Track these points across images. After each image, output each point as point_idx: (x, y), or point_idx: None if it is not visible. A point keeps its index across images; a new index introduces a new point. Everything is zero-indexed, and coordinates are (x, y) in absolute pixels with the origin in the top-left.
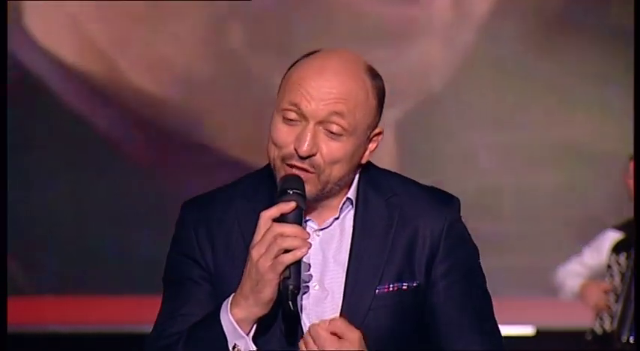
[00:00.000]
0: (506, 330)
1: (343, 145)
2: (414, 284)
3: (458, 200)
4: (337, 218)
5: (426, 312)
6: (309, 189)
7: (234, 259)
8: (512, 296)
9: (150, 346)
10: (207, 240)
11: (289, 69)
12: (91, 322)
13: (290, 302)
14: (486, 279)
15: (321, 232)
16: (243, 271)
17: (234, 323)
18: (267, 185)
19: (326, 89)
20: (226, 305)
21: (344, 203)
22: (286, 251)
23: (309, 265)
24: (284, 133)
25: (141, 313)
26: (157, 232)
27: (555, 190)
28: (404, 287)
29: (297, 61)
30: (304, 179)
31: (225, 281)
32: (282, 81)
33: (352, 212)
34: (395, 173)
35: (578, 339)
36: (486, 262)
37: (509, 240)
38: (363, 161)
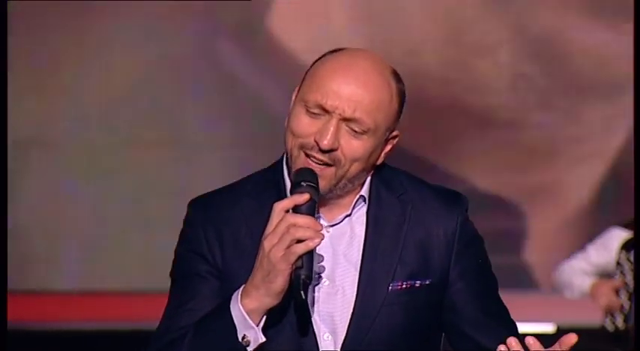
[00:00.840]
0: (526, 327)
1: (364, 144)
2: (427, 282)
3: (466, 198)
4: (349, 215)
5: (445, 309)
6: (323, 184)
7: (242, 257)
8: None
9: (157, 340)
10: (215, 238)
11: (313, 64)
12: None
13: (302, 292)
14: (506, 276)
15: (331, 229)
16: (251, 269)
17: (245, 313)
18: (275, 183)
19: (353, 87)
20: (236, 296)
21: (357, 200)
22: (299, 242)
23: (323, 257)
24: (305, 125)
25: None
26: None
27: None
28: (417, 285)
29: (322, 57)
30: (319, 174)
31: (233, 278)
32: (306, 74)
33: (364, 209)
34: (402, 171)
35: (592, 336)
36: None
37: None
38: (379, 162)
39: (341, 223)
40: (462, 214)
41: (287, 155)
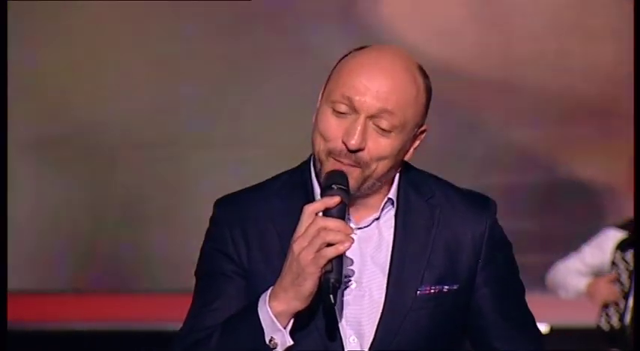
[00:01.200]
0: None
1: (391, 142)
2: (455, 287)
3: (494, 202)
4: (377, 218)
5: (471, 314)
6: (351, 183)
7: (268, 258)
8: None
9: (181, 339)
10: (241, 238)
11: (339, 61)
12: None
13: (331, 295)
14: None
15: (359, 231)
16: (277, 270)
17: (273, 316)
18: (303, 184)
19: (380, 83)
20: (264, 298)
21: (385, 203)
22: (329, 245)
23: (352, 260)
24: (333, 126)
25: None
26: None
27: None
28: (445, 290)
29: (347, 55)
30: (347, 173)
31: (259, 279)
32: (332, 72)
33: (392, 212)
34: (430, 174)
35: (588, 336)
36: None
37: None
38: (407, 158)
39: (369, 226)
40: (490, 219)
41: (314, 157)
